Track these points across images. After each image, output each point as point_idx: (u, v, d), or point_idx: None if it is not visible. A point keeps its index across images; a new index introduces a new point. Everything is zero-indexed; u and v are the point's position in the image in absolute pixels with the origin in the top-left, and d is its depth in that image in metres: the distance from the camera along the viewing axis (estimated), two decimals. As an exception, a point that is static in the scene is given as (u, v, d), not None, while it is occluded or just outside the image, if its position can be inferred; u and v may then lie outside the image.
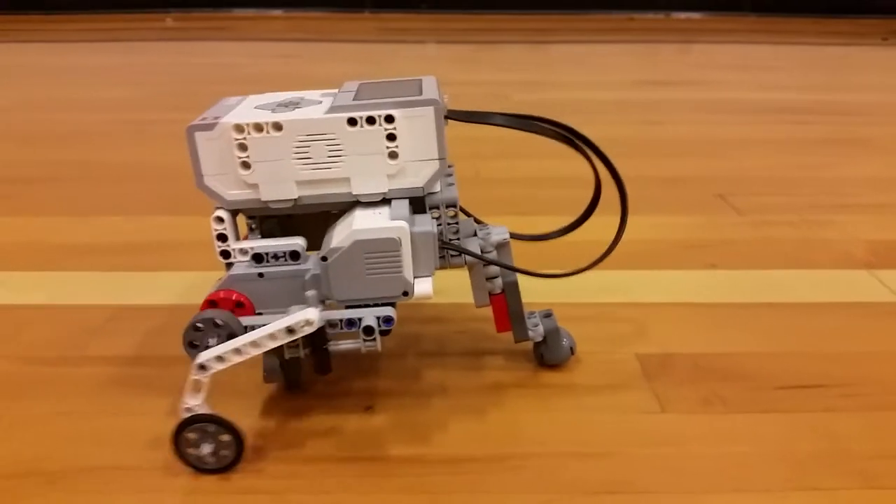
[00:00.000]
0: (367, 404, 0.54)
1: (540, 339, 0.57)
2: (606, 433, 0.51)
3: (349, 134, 0.47)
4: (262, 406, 0.54)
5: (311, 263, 0.47)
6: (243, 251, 0.48)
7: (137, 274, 0.75)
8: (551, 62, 2.00)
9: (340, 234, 0.47)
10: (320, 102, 0.50)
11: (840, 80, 1.76)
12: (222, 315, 0.46)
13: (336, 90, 0.52)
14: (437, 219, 0.50)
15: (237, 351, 0.45)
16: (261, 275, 0.47)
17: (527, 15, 2.85)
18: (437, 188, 0.50)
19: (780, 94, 1.58)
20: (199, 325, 0.45)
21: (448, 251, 0.51)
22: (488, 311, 0.56)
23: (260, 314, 0.48)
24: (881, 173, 1.06)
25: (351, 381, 0.57)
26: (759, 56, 2.08)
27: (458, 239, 0.51)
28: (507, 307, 0.55)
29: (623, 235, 0.54)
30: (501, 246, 0.54)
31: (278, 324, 0.45)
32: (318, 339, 0.47)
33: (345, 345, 0.48)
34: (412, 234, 0.46)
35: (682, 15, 2.90)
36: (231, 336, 0.45)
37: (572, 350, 0.58)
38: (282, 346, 0.47)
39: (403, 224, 0.46)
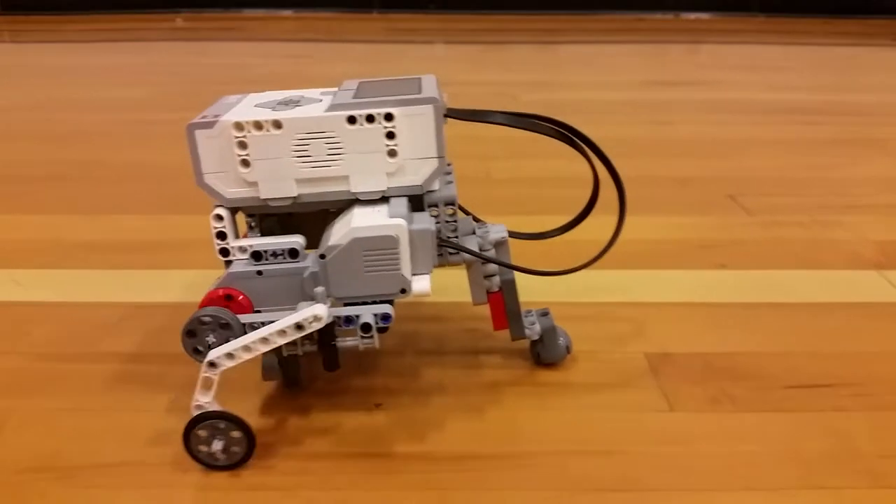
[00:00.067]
0: (376, 402, 0.54)
1: (536, 337, 0.57)
2: (613, 431, 0.51)
3: (348, 132, 0.47)
4: (262, 404, 0.55)
5: (309, 261, 0.48)
6: (242, 249, 0.49)
7: (148, 271, 0.76)
8: (560, 62, 1.99)
9: (339, 232, 0.47)
10: (320, 101, 0.50)
11: (849, 81, 1.75)
12: (213, 312, 0.46)
13: (336, 88, 0.53)
14: (436, 217, 0.51)
15: (247, 348, 0.46)
16: (259, 272, 0.48)
17: (535, 15, 2.85)
18: (436, 186, 0.50)
19: (790, 95, 1.58)
20: (192, 329, 0.46)
21: (446, 249, 0.52)
22: (486, 310, 0.56)
23: (258, 312, 0.48)
24: (891, 174, 1.06)
25: (350, 378, 0.57)
26: (768, 56, 2.07)
27: (456, 237, 0.52)
28: (505, 305, 0.55)
29: (622, 235, 0.54)
30: (500, 244, 0.54)
31: (287, 320, 0.45)
32: (326, 336, 0.47)
33: (343, 342, 0.48)
34: (410, 232, 0.47)
35: (691, 15, 2.89)
36: (224, 328, 0.46)
37: (568, 349, 0.58)
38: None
39: (401, 222, 0.46)
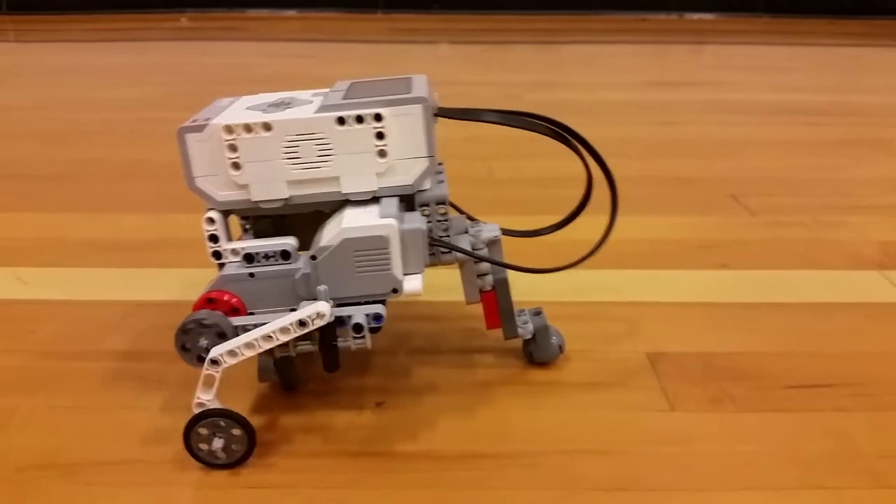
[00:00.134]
0: (376, 401, 0.55)
1: (529, 336, 0.57)
2: (610, 431, 0.51)
3: (338, 133, 0.47)
4: (257, 403, 0.55)
5: (301, 263, 0.48)
6: (234, 251, 0.49)
7: (150, 270, 0.76)
8: (562, 63, 1.99)
9: (330, 233, 0.47)
10: (311, 102, 0.50)
11: (854, 82, 1.75)
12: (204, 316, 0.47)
13: (327, 89, 0.53)
14: (427, 216, 0.50)
15: (249, 345, 0.46)
16: (252, 275, 0.48)
17: (538, 15, 2.84)
18: (427, 185, 0.50)
19: (793, 95, 1.58)
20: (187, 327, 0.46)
21: (438, 248, 0.51)
22: (479, 309, 0.56)
23: (252, 314, 0.48)
24: (895, 174, 1.06)
25: (343, 378, 0.58)
26: (771, 57, 2.07)
27: (448, 236, 0.51)
28: (497, 304, 0.55)
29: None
30: (492, 243, 0.54)
31: (290, 317, 0.45)
32: (327, 336, 0.48)
33: (340, 342, 0.48)
34: (401, 232, 0.47)
35: (695, 16, 2.89)
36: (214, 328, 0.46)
37: (561, 348, 0.58)
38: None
39: (392, 221, 0.46)
